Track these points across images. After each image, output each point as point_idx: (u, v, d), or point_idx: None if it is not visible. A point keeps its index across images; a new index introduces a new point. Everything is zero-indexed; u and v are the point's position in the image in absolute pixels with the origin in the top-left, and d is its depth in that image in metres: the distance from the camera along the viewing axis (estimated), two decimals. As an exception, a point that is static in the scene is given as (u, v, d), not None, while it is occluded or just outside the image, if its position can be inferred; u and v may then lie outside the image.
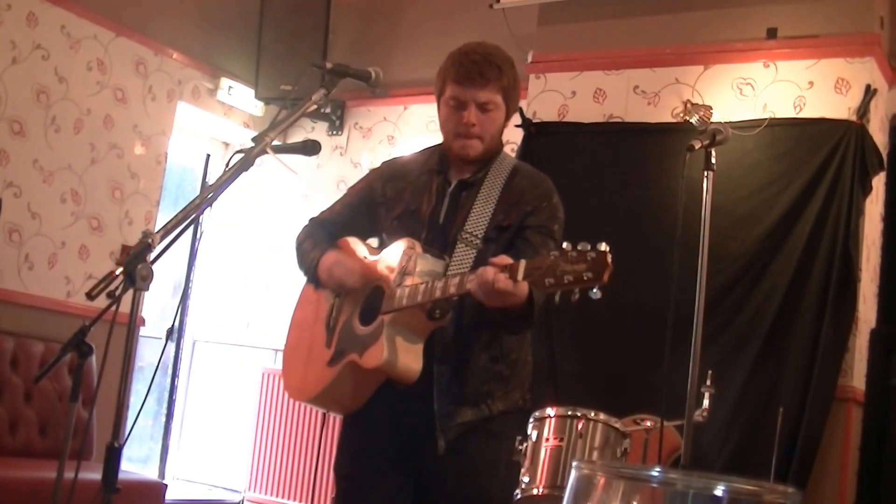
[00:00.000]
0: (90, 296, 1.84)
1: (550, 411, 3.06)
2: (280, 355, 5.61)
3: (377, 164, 2.69)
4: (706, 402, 3.34)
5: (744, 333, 4.12)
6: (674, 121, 4.50)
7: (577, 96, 4.79)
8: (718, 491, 1.10)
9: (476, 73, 2.34)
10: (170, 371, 5.95)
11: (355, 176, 2.76)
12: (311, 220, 2.65)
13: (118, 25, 5.06)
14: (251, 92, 5.77)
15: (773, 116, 4.28)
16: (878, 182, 4.29)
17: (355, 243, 2.55)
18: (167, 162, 5.40)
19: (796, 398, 3.93)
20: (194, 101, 5.57)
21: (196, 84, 5.58)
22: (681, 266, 2.53)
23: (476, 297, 2.07)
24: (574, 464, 1.23)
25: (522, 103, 4.76)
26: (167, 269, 5.76)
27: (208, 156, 6.10)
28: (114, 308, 1.89)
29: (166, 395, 5.94)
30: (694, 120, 4.36)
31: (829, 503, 3.96)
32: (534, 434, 3.01)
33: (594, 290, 1.88)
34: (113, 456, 1.83)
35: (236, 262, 6.01)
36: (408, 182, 2.50)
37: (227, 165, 2.09)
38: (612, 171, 4.59)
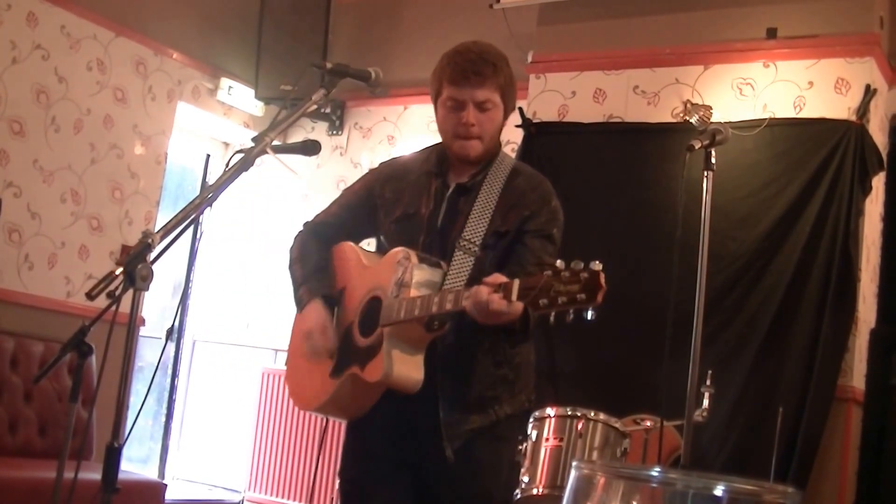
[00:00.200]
0: (90, 296, 1.84)
1: (550, 411, 3.06)
2: (280, 355, 5.64)
3: (377, 164, 2.67)
4: (706, 402, 3.34)
5: (743, 333, 4.12)
6: (674, 121, 4.50)
7: (577, 96, 4.79)
8: (718, 491, 1.10)
9: (472, 72, 2.33)
10: (170, 371, 5.95)
11: (355, 176, 2.75)
12: (306, 224, 2.62)
13: (118, 25, 5.06)
14: (251, 92, 5.77)
15: (772, 116, 4.28)
16: (878, 182, 4.29)
17: (351, 250, 2.53)
18: (167, 162, 5.40)
19: (796, 398, 3.93)
20: (194, 101, 5.57)
21: (196, 84, 5.58)
22: (681, 266, 2.53)
23: (471, 315, 2.06)
24: (574, 464, 1.23)
25: (522, 103, 4.76)
26: (167, 269, 5.76)
27: (208, 156, 6.10)
28: (114, 308, 1.89)
29: (166, 395, 5.94)
30: (694, 120, 4.36)
31: (829, 503, 3.96)
32: (534, 434, 3.02)
33: (588, 312, 1.88)
34: (113, 456, 1.83)
35: (236, 262, 6.01)
36: (406, 184, 2.48)
37: (227, 165, 2.08)
38: (612, 171, 4.59)
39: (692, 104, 4.46)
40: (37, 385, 4.32)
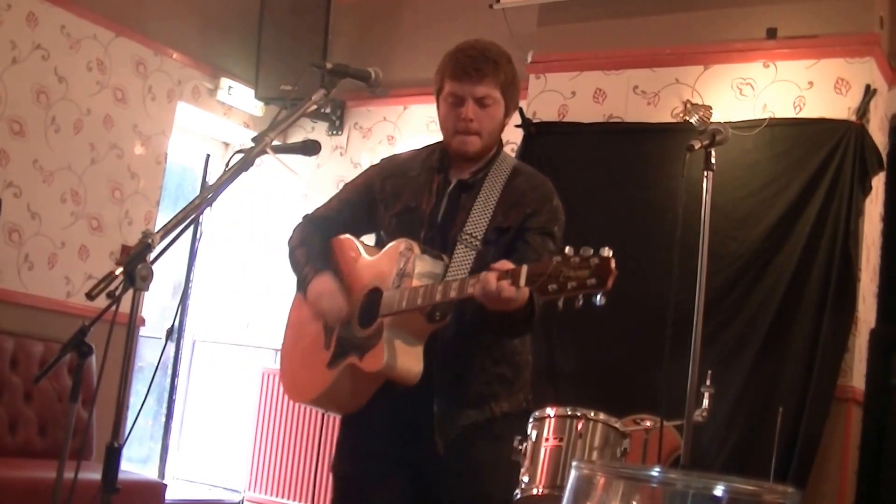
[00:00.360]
0: (90, 296, 1.84)
1: (550, 411, 3.05)
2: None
3: (378, 161, 2.68)
4: (706, 402, 3.34)
5: (743, 333, 4.12)
6: (674, 121, 4.50)
7: (576, 96, 4.79)
8: (718, 491, 1.10)
9: (472, 68, 2.34)
10: (170, 371, 5.95)
11: (355, 176, 2.75)
12: (305, 217, 2.62)
13: (118, 25, 5.06)
14: (251, 92, 5.77)
15: (772, 116, 4.28)
16: (878, 182, 4.29)
17: (351, 243, 2.52)
18: (167, 162, 5.40)
19: (796, 398, 3.93)
20: (194, 101, 5.57)
21: (196, 84, 5.58)
22: (680, 266, 2.53)
23: (479, 301, 2.05)
24: (574, 464, 1.23)
25: (522, 103, 4.76)
26: (167, 269, 5.76)
27: (208, 156, 6.10)
28: (114, 308, 1.89)
29: (166, 395, 5.94)
30: (694, 120, 4.36)
31: (829, 503, 3.96)
32: (533, 434, 3.01)
33: (598, 297, 1.86)
34: (113, 456, 1.83)
35: (236, 262, 6.01)
36: (408, 179, 2.49)
37: (227, 165, 2.08)
38: (611, 172, 4.59)
39: (692, 104, 4.46)
40: (37, 385, 4.32)
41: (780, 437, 3.60)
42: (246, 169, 2.09)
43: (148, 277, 1.85)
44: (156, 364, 2.62)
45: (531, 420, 3.06)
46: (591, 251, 1.87)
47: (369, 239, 2.58)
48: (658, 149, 4.44)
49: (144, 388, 4.59)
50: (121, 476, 1.85)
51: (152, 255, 1.88)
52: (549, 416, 3.04)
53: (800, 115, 4.25)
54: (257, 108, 5.92)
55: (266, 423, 5.58)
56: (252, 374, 5.74)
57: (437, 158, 2.48)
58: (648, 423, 3.36)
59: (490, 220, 2.35)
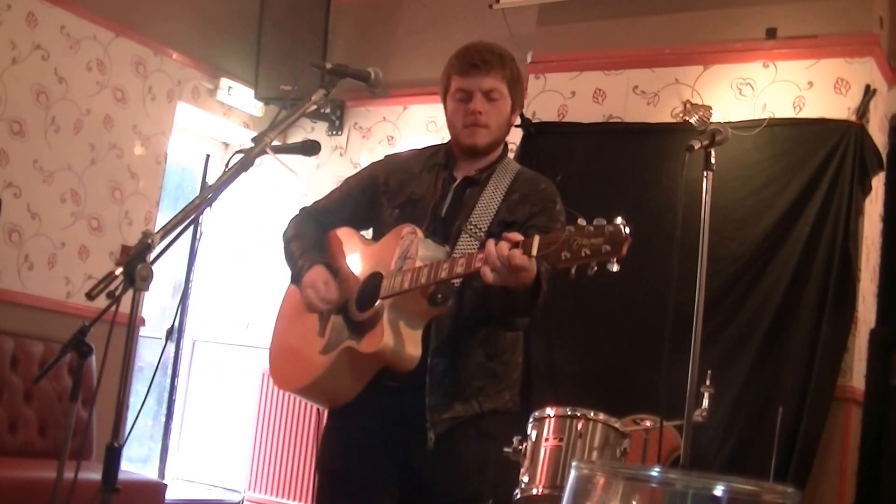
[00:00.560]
0: (90, 296, 1.84)
1: (550, 411, 3.05)
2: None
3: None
4: (705, 402, 3.34)
5: (743, 333, 4.12)
6: (673, 121, 4.50)
7: (576, 96, 4.79)
8: (718, 491, 1.10)
9: (479, 60, 2.39)
10: (170, 371, 5.95)
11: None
12: (302, 210, 2.62)
13: (118, 25, 5.06)
14: (251, 92, 5.77)
15: (772, 116, 4.28)
16: (878, 182, 4.29)
17: (348, 234, 2.52)
18: (167, 162, 5.40)
19: (796, 398, 3.93)
20: (194, 102, 5.57)
21: (196, 84, 5.58)
22: (680, 266, 2.54)
23: (485, 276, 2.02)
24: (573, 464, 1.23)
25: (522, 103, 4.76)
26: (167, 270, 5.76)
27: (208, 156, 6.10)
28: (114, 308, 1.89)
29: (166, 395, 5.94)
30: (693, 120, 4.36)
31: (829, 503, 3.96)
32: (533, 434, 3.01)
33: (612, 264, 1.86)
34: (113, 456, 1.83)
35: (236, 262, 6.01)
36: (411, 174, 2.50)
37: (227, 166, 2.08)
38: (611, 172, 4.59)
39: (692, 104, 4.46)
40: (37, 385, 4.32)
41: (779, 437, 3.60)
42: (246, 169, 2.09)
43: (148, 277, 1.85)
44: (156, 364, 2.62)
45: (531, 420, 3.07)
46: (605, 220, 1.88)
47: (368, 234, 2.58)
48: (658, 149, 4.44)
49: (144, 388, 4.59)
50: (121, 476, 1.85)
51: (152, 256, 1.89)
52: (549, 416, 3.04)
53: (799, 116, 4.25)
54: (257, 108, 5.92)
55: (266, 423, 5.59)
56: (252, 374, 5.74)
57: (442, 156, 2.51)
58: (648, 423, 3.36)
59: (495, 214, 2.37)
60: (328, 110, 5.78)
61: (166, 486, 4.49)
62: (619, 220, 1.87)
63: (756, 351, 4.08)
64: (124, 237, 5.13)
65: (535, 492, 2.92)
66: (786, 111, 4.28)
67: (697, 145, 2.49)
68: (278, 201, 5.91)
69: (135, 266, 1.84)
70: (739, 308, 4.15)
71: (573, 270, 1.91)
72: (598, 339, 4.40)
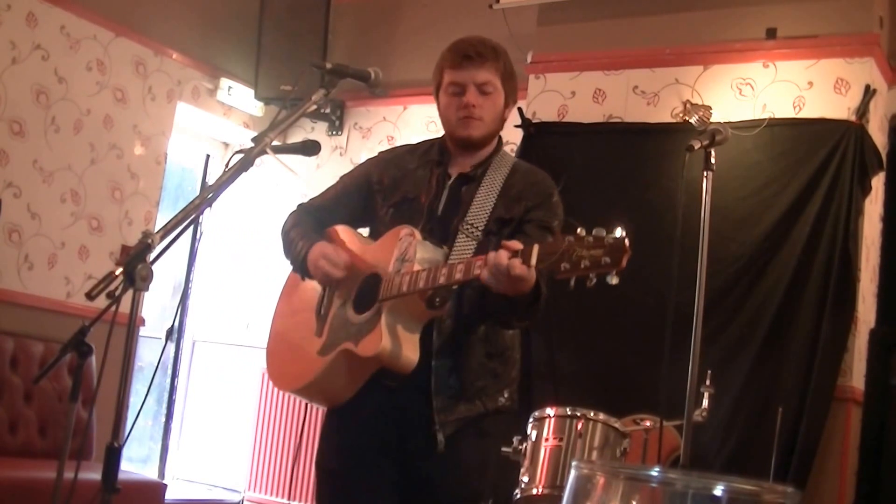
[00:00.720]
0: (90, 296, 1.84)
1: (550, 411, 3.06)
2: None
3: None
4: (705, 402, 3.34)
5: (743, 333, 4.12)
6: (673, 121, 4.50)
7: (576, 96, 4.79)
8: (718, 491, 1.10)
9: (473, 53, 2.37)
10: (170, 371, 5.95)
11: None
12: (300, 206, 2.61)
13: (118, 25, 5.06)
14: (251, 92, 5.77)
15: (772, 116, 4.28)
16: (878, 182, 4.29)
17: (346, 232, 2.51)
18: (167, 162, 5.40)
19: (795, 398, 3.93)
20: (194, 102, 5.57)
21: (196, 84, 5.58)
22: (680, 266, 2.54)
23: (485, 283, 2.02)
24: (573, 463, 1.23)
25: (522, 103, 4.76)
26: (167, 270, 5.76)
27: (208, 156, 6.10)
28: (113, 308, 1.89)
29: (166, 395, 5.94)
30: (693, 120, 4.36)
31: (829, 503, 3.96)
32: (533, 434, 3.01)
33: (611, 276, 1.85)
34: (113, 456, 1.83)
35: (236, 262, 6.01)
36: (407, 171, 2.48)
37: (227, 166, 2.08)
38: (611, 172, 4.59)
39: (692, 104, 4.46)
40: (37, 385, 4.32)
41: (779, 437, 3.60)
42: (246, 169, 2.09)
43: (148, 277, 1.85)
44: (156, 364, 2.61)
45: (531, 420, 3.07)
46: (605, 231, 1.87)
47: (364, 233, 2.57)
48: (658, 149, 4.44)
49: (144, 388, 4.58)
50: (121, 476, 1.85)
51: (152, 256, 1.89)
52: (548, 415, 3.05)
53: (799, 116, 4.25)
54: (257, 108, 5.92)
55: (266, 423, 5.59)
56: (252, 374, 5.74)
57: (436, 152, 2.49)
58: (648, 423, 3.36)
59: (491, 211, 2.35)
60: (328, 110, 5.78)
61: (166, 486, 4.49)
62: (619, 231, 1.86)
63: (756, 351, 4.08)
64: (124, 237, 5.13)
65: (534, 492, 2.92)
66: (786, 111, 4.28)
67: (697, 145, 2.49)
68: (278, 201, 5.91)
69: (135, 266, 1.84)
70: (739, 308, 4.15)
71: (572, 281, 1.90)
72: (598, 339, 4.40)
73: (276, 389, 5.49)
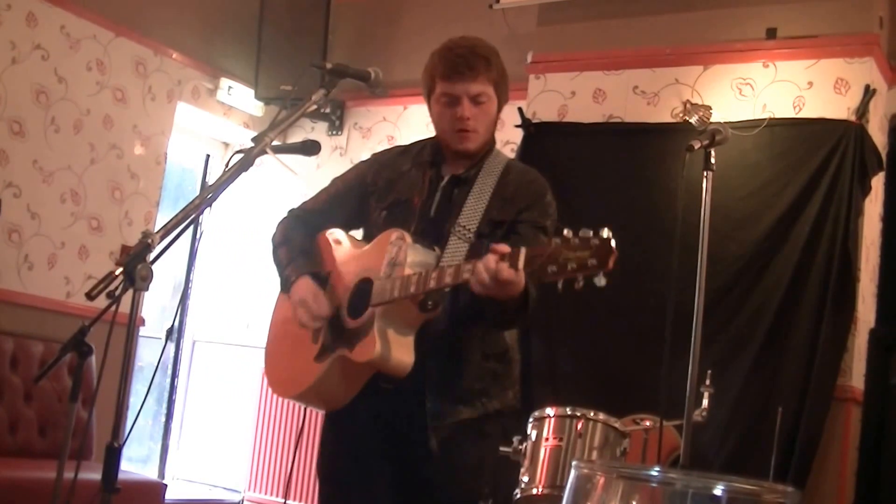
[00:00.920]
0: (90, 296, 1.84)
1: (550, 411, 3.05)
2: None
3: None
4: (705, 402, 3.34)
5: (743, 333, 4.12)
6: (673, 121, 4.50)
7: (576, 96, 4.79)
8: (717, 490, 1.10)
9: (465, 66, 2.34)
10: (169, 371, 5.95)
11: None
12: (290, 212, 2.60)
13: (118, 25, 5.06)
14: (251, 92, 5.77)
15: (772, 116, 4.28)
16: (878, 182, 4.29)
17: (339, 236, 2.51)
18: (167, 162, 5.40)
19: (795, 398, 3.93)
20: (194, 102, 5.57)
21: (196, 84, 5.58)
22: (680, 266, 2.54)
23: (473, 287, 2.02)
24: (573, 463, 1.23)
25: (522, 103, 4.76)
26: (167, 269, 5.76)
27: (208, 156, 6.10)
28: (113, 308, 1.89)
29: (166, 395, 5.94)
30: (693, 120, 4.36)
31: (828, 503, 3.96)
32: (533, 434, 3.01)
33: (599, 278, 1.84)
34: (113, 456, 1.83)
35: (236, 262, 6.01)
36: (400, 173, 2.48)
37: (227, 166, 2.09)
38: (611, 172, 4.59)
39: (692, 104, 4.46)
40: (37, 385, 4.32)
41: (779, 437, 3.60)
42: (246, 169, 2.09)
43: (148, 277, 1.86)
44: (156, 364, 2.62)
45: (531, 420, 3.07)
46: (591, 232, 1.85)
47: (357, 235, 2.57)
48: (658, 149, 4.44)
49: (144, 388, 4.58)
50: (121, 476, 1.85)
51: (152, 256, 1.89)
52: (548, 415, 3.04)
53: (799, 116, 4.25)
54: (257, 108, 5.92)
55: (266, 423, 5.59)
56: (252, 374, 5.74)
57: (429, 153, 2.49)
58: (648, 423, 3.36)
59: (484, 213, 2.34)
60: (328, 110, 5.77)
61: (166, 486, 4.49)
62: (605, 232, 1.85)
63: (756, 351, 4.08)
64: (124, 237, 5.13)
65: (535, 492, 2.92)
66: (786, 111, 4.28)
67: (697, 145, 2.49)
68: (278, 201, 5.91)
69: (135, 266, 1.84)
70: (739, 308, 4.15)
71: (560, 284, 1.90)
72: (598, 339, 4.40)
73: (276, 389, 5.50)
